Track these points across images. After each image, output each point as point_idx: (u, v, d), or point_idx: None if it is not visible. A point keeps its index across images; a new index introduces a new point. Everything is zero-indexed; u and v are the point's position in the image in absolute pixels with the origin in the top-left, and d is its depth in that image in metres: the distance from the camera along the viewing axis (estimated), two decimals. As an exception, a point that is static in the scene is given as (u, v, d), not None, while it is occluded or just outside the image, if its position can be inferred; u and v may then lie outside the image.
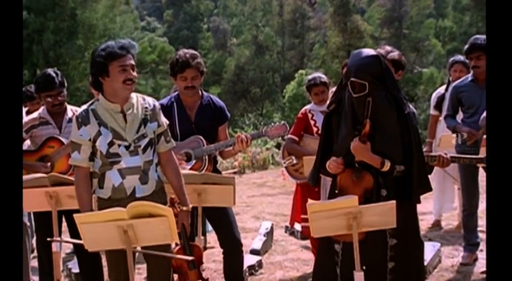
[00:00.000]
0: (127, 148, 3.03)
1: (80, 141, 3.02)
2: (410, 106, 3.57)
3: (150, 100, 3.18)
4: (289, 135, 4.71)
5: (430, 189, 3.18)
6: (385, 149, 2.97)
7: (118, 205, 2.86)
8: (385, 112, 2.96)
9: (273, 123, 4.01)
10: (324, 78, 4.76)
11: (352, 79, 2.96)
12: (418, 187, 3.05)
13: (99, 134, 3.00)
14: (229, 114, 4.03)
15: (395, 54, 3.66)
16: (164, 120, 3.21)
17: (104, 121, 3.02)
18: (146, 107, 3.11)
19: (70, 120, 4.05)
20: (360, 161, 3.01)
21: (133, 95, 3.10)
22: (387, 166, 2.95)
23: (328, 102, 4.70)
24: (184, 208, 3.22)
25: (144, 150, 3.07)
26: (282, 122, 4.02)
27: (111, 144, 3.01)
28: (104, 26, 29.11)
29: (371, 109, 2.93)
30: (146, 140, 3.08)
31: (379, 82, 2.95)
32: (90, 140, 3.01)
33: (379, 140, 2.97)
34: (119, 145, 3.02)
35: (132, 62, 2.98)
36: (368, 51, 3.03)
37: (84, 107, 3.14)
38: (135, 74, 2.99)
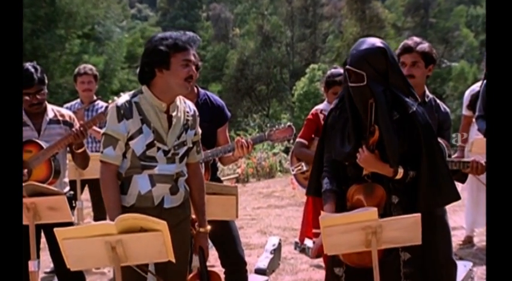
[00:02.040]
0: (165, 153, 3.07)
1: (119, 135, 3.02)
2: (445, 106, 3.58)
3: (190, 104, 3.25)
4: (299, 139, 4.71)
5: (455, 197, 3.13)
6: (387, 154, 2.99)
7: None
8: (384, 111, 2.97)
9: (277, 126, 4.02)
10: None
11: (347, 67, 2.99)
12: (431, 194, 3.03)
13: (139, 132, 3.02)
14: (229, 114, 4.04)
15: (425, 46, 3.65)
16: (199, 129, 3.28)
17: (148, 119, 3.05)
18: (187, 112, 3.18)
19: (50, 121, 4.06)
20: (368, 173, 3.03)
21: None
22: (400, 173, 2.99)
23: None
24: (202, 230, 3.28)
25: (181, 159, 3.14)
26: (288, 123, 4.03)
27: (150, 146, 3.04)
28: (86, 12, 29.16)
29: (374, 112, 2.95)
30: (185, 149, 3.15)
31: (380, 76, 2.97)
32: (127, 135, 3.03)
33: (386, 146, 2.98)
34: (158, 148, 3.05)
35: (194, 58, 3.05)
36: (373, 41, 3.03)
37: (126, 96, 3.12)
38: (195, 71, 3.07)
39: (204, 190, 3.32)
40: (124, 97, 3.11)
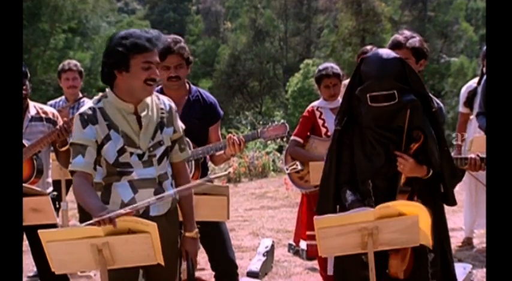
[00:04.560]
0: (140, 157, 3.00)
1: (86, 142, 2.93)
2: (438, 101, 3.63)
3: (166, 100, 3.15)
4: (293, 137, 4.72)
5: (460, 179, 3.37)
6: (430, 156, 3.08)
7: None
8: (423, 117, 3.06)
9: (270, 123, 4.03)
10: (338, 69, 4.79)
11: (377, 93, 2.97)
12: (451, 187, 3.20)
13: (108, 138, 2.95)
14: (221, 112, 4.04)
15: (415, 40, 3.67)
16: (180, 125, 3.19)
17: (115, 123, 2.97)
18: (162, 108, 3.08)
19: (32, 118, 4.05)
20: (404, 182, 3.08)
21: None
22: (431, 172, 3.09)
23: (336, 117, 4.77)
24: (188, 234, 3.17)
25: (160, 160, 3.05)
26: (281, 121, 4.03)
27: (121, 151, 2.96)
28: (73, 6, 29.07)
29: (409, 119, 3.02)
30: (162, 149, 3.06)
31: (405, 84, 3.00)
32: (96, 142, 2.94)
33: (429, 149, 3.06)
34: (131, 153, 2.98)
35: (158, 59, 2.96)
36: (387, 54, 3.05)
37: (89, 102, 3.05)
38: (158, 73, 2.98)
39: (192, 191, 3.20)
40: (88, 104, 3.05)
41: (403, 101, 2.98)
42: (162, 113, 3.08)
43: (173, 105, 3.18)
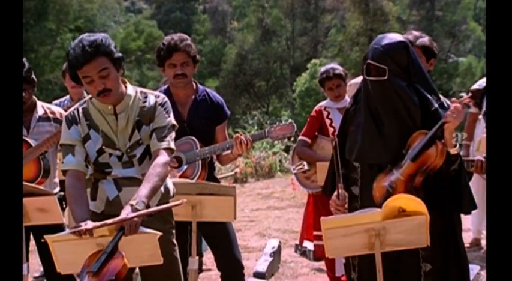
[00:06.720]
0: (119, 158, 3.01)
1: (73, 141, 2.99)
2: (449, 102, 3.60)
3: (152, 98, 3.06)
4: (301, 137, 4.72)
5: (473, 207, 3.15)
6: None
7: None
8: (416, 101, 3.00)
9: (278, 122, 4.02)
10: (339, 69, 4.77)
11: (368, 61, 3.00)
12: (452, 197, 3.05)
13: (88, 137, 3.00)
14: (228, 112, 4.05)
15: (425, 39, 3.69)
16: (162, 117, 3.03)
17: (95, 123, 3.01)
18: (143, 107, 3.03)
19: (40, 118, 4.06)
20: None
21: (133, 92, 3.04)
22: (457, 148, 2.98)
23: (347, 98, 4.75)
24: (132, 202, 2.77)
25: (141, 160, 3.03)
26: (289, 120, 4.03)
27: (100, 152, 3.00)
28: (80, 6, 29.17)
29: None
30: (142, 148, 3.03)
31: (402, 72, 2.99)
32: (82, 139, 3.01)
33: None
34: (110, 154, 3.00)
35: (104, 65, 2.85)
36: (394, 36, 3.08)
37: (76, 105, 3.11)
38: (110, 79, 2.87)
39: (155, 173, 2.87)
40: (74, 106, 3.11)
41: (393, 84, 2.96)
42: (142, 111, 3.03)
43: (160, 100, 3.07)
